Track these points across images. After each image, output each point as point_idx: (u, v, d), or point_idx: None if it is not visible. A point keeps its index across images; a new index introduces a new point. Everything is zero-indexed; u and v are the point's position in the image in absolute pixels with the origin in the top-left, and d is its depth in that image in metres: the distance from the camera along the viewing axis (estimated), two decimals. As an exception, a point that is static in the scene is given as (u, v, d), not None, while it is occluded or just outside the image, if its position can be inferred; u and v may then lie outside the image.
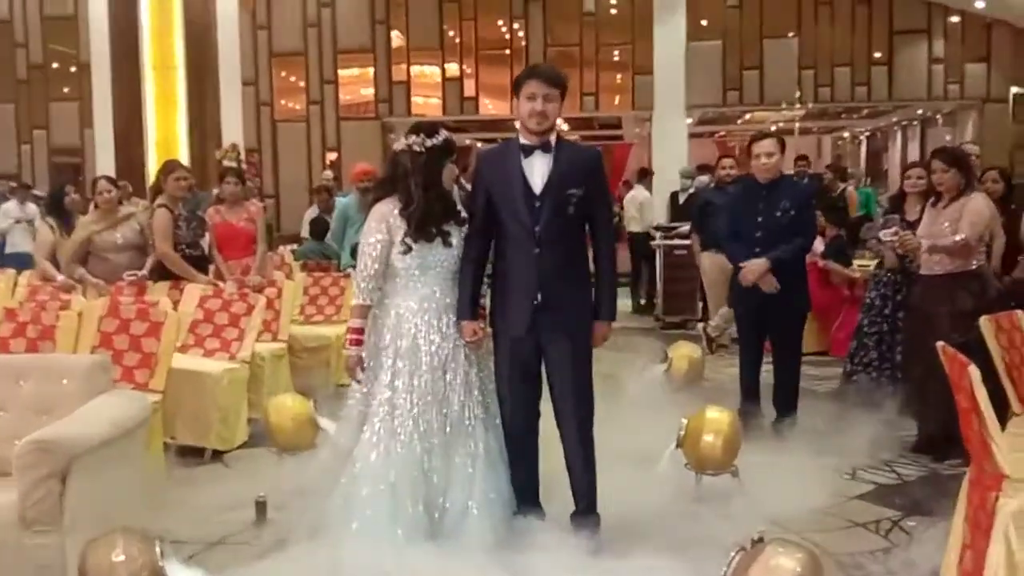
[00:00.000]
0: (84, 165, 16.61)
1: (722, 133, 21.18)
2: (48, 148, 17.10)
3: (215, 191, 8.82)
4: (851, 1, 15.87)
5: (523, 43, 16.40)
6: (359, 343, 4.03)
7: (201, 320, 6.16)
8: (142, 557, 2.96)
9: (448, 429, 3.96)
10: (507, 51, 16.56)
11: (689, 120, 16.55)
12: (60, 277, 6.78)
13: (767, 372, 5.98)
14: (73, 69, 16.90)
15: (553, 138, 4.00)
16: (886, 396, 6.04)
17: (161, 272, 6.69)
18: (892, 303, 6.53)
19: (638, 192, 12.47)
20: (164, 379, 5.17)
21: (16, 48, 16.91)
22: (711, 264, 8.56)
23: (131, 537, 3.02)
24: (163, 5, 13.70)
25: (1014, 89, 15.73)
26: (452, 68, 16.60)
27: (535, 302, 3.94)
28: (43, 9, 16.86)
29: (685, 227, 10.16)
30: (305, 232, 10.80)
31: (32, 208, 11.93)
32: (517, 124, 4.08)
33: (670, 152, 15.16)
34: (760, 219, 5.69)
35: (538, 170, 3.96)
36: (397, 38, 16.65)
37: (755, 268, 5.62)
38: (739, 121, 19.26)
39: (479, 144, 16.39)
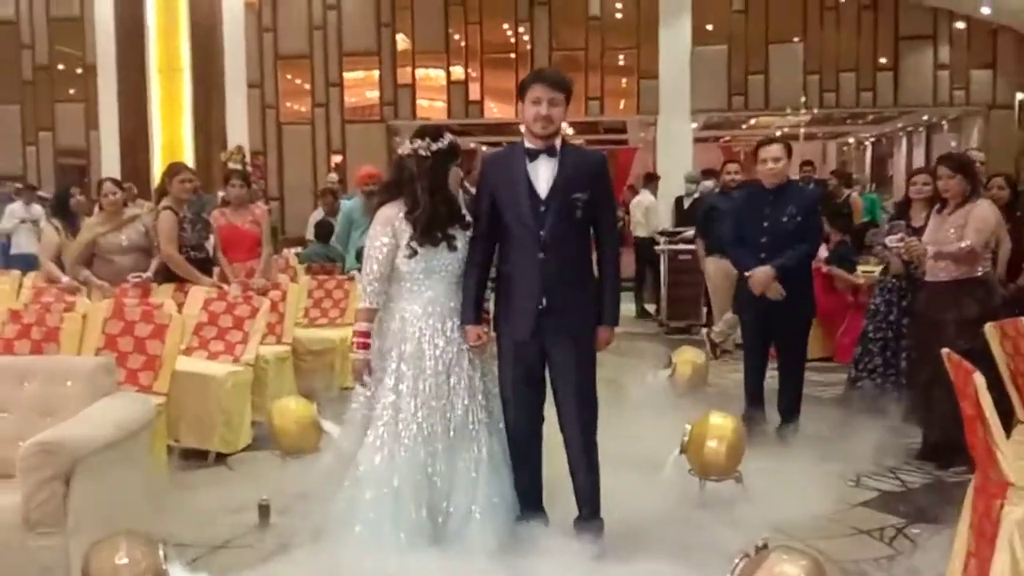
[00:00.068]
0: (89, 167, 16.65)
1: (727, 138, 21.21)
2: (54, 149, 17.16)
3: (220, 193, 8.82)
4: (857, 6, 15.88)
5: (528, 47, 16.43)
6: (366, 347, 4.02)
7: (205, 323, 6.16)
8: (145, 560, 2.97)
9: (452, 433, 3.95)
10: (512, 55, 16.59)
11: (694, 125, 16.56)
12: (65, 279, 6.79)
13: (771, 378, 5.97)
14: (79, 71, 16.95)
15: (558, 142, 3.99)
16: (891, 402, 6.02)
17: (166, 274, 6.70)
18: (897, 309, 6.52)
19: (644, 197, 12.46)
20: (168, 381, 5.18)
21: (22, 49, 16.98)
22: (715, 269, 8.56)
23: (134, 540, 3.03)
24: (169, 7, 13.73)
25: (1020, 95, 15.73)
26: (457, 71, 16.63)
27: (539, 306, 3.94)
28: (49, 10, 16.92)
29: (689, 232, 10.16)
30: (310, 235, 10.81)
31: (37, 209, 11.97)
32: (522, 128, 4.07)
33: (675, 157, 15.16)
34: (766, 224, 5.68)
35: (543, 174, 3.96)
36: (402, 41, 16.68)
37: (761, 278, 5.61)
38: (744, 126, 19.29)
39: (484, 148, 16.39)
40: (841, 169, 15.95)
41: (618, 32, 16.45)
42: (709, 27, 16.12)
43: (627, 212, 12.78)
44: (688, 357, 6.71)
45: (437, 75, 16.78)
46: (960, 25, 15.76)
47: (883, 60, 15.94)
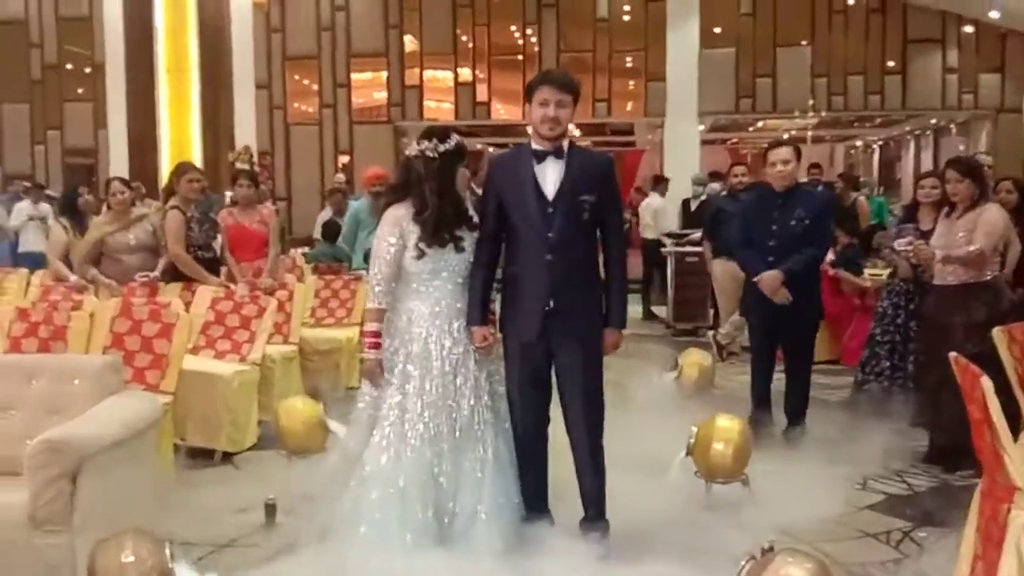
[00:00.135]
0: (98, 166, 16.71)
1: (734, 140, 21.20)
2: (62, 148, 17.22)
3: (228, 193, 8.85)
4: (865, 10, 15.86)
5: (536, 49, 16.44)
6: (377, 346, 4.01)
7: (212, 322, 6.16)
8: (151, 558, 2.98)
9: (458, 434, 3.95)
10: (520, 56, 16.61)
11: (701, 127, 16.55)
12: (73, 277, 6.81)
13: (778, 380, 5.96)
14: (88, 70, 17.01)
15: (565, 144, 3.99)
16: (898, 406, 6.02)
17: (173, 274, 6.71)
18: (904, 312, 6.51)
19: (653, 199, 12.45)
20: (175, 380, 5.19)
21: (31, 48, 17.03)
22: (722, 271, 8.55)
23: (141, 538, 3.03)
24: (177, 7, 13.77)
25: (1028, 100, 15.70)
26: (465, 73, 16.65)
27: (546, 308, 3.93)
28: (58, 10, 16.98)
29: (697, 234, 10.15)
30: (317, 235, 10.82)
31: (45, 207, 11.99)
32: (529, 129, 4.08)
33: (682, 159, 15.16)
34: (774, 227, 5.67)
35: (550, 176, 3.96)
36: (410, 42, 16.71)
37: (770, 282, 5.60)
38: (751, 129, 19.28)
39: (491, 149, 16.41)
40: (848, 172, 15.94)
41: (626, 34, 16.45)
42: (717, 30, 16.12)
43: (634, 214, 12.75)
44: (695, 359, 6.71)
45: (445, 76, 16.80)
46: (968, 29, 15.73)
47: (891, 63, 15.92)
